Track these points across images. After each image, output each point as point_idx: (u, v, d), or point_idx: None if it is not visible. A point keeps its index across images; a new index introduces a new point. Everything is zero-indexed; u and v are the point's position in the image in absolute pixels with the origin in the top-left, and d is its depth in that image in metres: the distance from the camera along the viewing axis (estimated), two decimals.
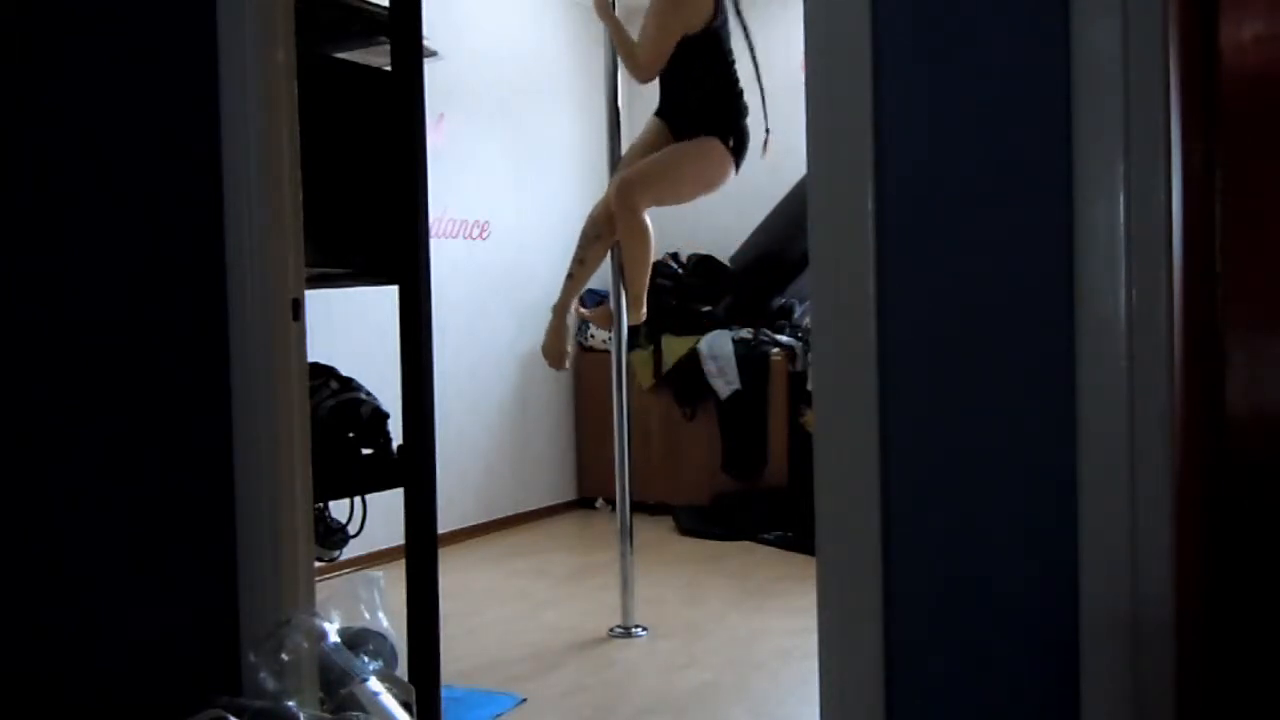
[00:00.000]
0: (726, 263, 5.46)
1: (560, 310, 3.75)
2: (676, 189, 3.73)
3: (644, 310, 3.70)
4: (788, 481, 5.05)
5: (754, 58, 3.82)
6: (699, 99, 3.60)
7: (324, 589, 2.13)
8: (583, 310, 4.13)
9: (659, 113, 3.76)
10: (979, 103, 1.42)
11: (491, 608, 3.94)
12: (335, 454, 2.36)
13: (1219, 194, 1.31)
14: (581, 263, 3.69)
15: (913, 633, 1.48)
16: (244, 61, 1.95)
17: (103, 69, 2.07)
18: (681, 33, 3.47)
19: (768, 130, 3.76)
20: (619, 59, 3.55)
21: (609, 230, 3.63)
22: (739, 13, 3.76)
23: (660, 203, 3.68)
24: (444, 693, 2.40)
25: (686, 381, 5.31)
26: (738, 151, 3.59)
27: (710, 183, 3.73)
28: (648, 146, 3.70)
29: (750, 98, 3.68)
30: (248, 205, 1.97)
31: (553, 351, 3.77)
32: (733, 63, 3.63)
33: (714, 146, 3.56)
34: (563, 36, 5.66)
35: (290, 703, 1.52)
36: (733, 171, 3.62)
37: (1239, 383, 1.32)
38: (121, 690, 1.99)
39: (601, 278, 3.85)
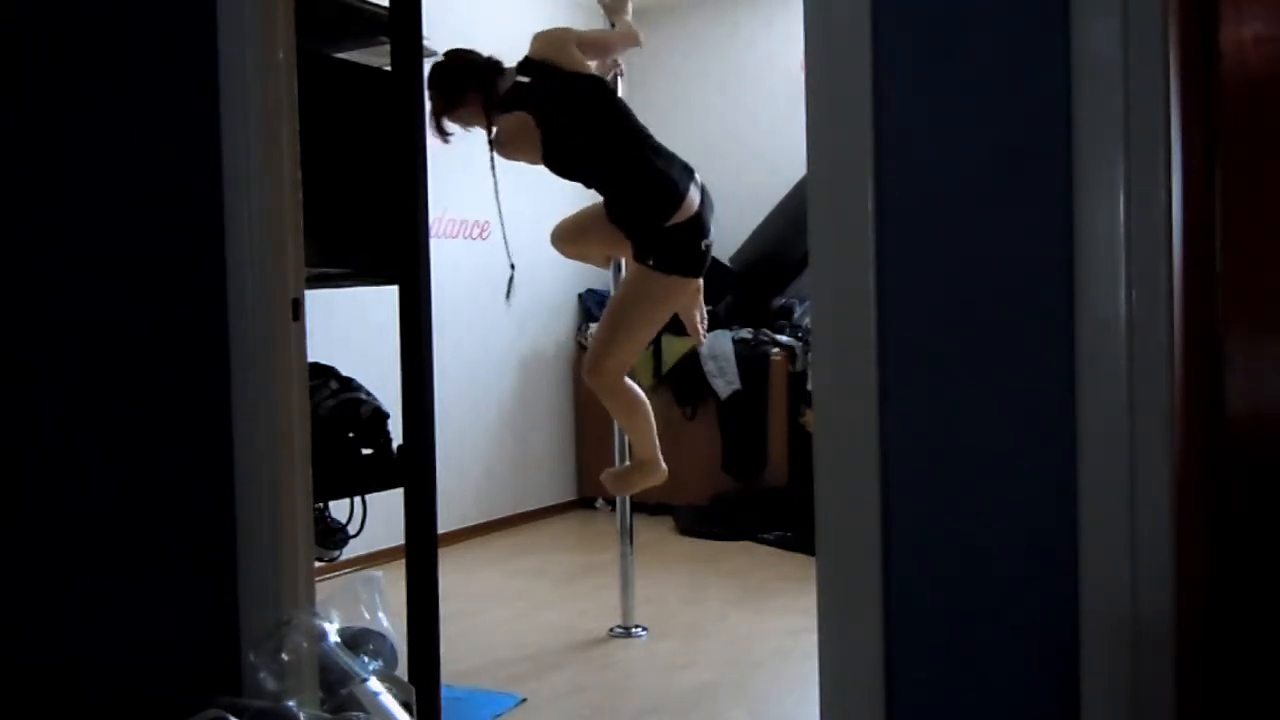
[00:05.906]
0: (727, 263, 5.45)
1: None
2: (640, 337, 3.32)
3: (663, 468, 3.43)
4: (788, 481, 5.05)
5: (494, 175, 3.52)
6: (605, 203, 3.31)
7: (324, 589, 2.13)
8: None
9: None
10: (979, 103, 1.42)
11: (491, 608, 3.94)
12: (335, 454, 2.37)
13: (1219, 194, 1.30)
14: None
15: (913, 632, 1.48)
16: (244, 61, 1.95)
17: (102, 69, 2.07)
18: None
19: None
20: None
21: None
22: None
23: (632, 356, 3.34)
24: (444, 693, 2.40)
25: (686, 381, 5.30)
26: (662, 266, 3.12)
27: (672, 310, 3.34)
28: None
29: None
30: (248, 205, 1.97)
31: None
32: (621, 160, 3.16)
33: (641, 275, 3.18)
34: None
35: (290, 703, 1.52)
36: (678, 281, 3.17)
37: (1239, 383, 1.31)
38: (122, 690, 1.99)
39: (603, 276, 3.80)
